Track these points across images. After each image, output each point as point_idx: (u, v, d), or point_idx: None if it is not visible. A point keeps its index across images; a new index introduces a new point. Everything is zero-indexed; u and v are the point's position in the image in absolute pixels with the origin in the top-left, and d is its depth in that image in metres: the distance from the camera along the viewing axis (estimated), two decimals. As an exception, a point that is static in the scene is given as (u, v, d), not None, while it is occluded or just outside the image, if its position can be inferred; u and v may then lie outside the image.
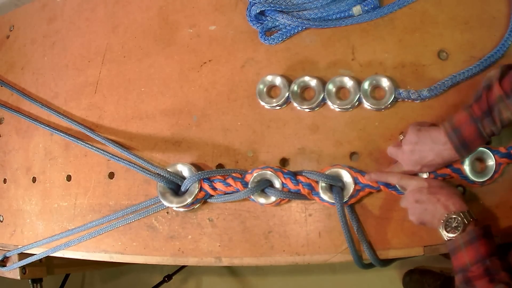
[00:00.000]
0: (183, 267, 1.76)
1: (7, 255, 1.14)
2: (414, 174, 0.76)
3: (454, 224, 0.65)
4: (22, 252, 1.12)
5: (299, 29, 0.89)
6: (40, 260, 1.14)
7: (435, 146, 0.70)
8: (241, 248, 0.88)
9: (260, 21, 0.92)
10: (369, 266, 0.82)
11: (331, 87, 0.84)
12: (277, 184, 0.83)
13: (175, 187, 0.90)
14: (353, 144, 0.83)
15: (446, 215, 0.66)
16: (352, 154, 0.83)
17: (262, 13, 0.90)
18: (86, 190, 1.03)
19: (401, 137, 0.78)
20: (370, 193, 0.81)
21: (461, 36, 0.80)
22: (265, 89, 0.89)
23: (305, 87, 0.87)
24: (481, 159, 0.75)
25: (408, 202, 0.72)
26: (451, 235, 0.65)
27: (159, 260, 0.94)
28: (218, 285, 1.91)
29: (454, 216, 0.65)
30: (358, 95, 0.82)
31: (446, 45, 0.81)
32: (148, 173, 0.91)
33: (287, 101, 0.88)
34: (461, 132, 0.67)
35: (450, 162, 0.72)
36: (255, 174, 0.84)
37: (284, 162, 0.87)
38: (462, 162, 0.74)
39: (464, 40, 0.80)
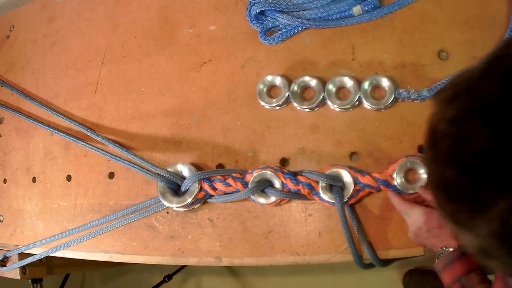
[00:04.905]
0: (183, 267, 1.76)
1: (7, 255, 1.14)
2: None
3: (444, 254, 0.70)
4: (22, 252, 1.12)
5: (299, 29, 0.89)
6: (40, 260, 1.14)
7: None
8: (241, 248, 0.88)
9: (260, 21, 0.92)
10: (369, 266, 0.82)
11: (331, 87, 0.84)
12: (277, 184, 0.83)
13: (175, 187, 0.90)
14: (353, 144, 0.83)
15: (440, 250, 0.70)
16: (352, 154, 0.83)
17: (262, 13, 0.90)
18: (86, 190, 1.03)
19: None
20: (370, 193, 0.81)
21: (461, 36, 0.80)
22: (265, 89, 0.89)
23: (305, 87, 0.87)
24: None
25: (410, 228, 0.74)
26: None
27: (159, 260, 0.94)
28: (218, 285, 1.90)
29: (447, 250, 0.69)
30: (358, 95, 0.82)
31: (446, 45, 0.81)
32: (148, 173, 0.91)
33: (287, 101, 0.88)
34: None
35: None
36: (255, 174, 0.84)
37: (284, 162, 0.87)
38: None
39: (464, 40, 0.80)
